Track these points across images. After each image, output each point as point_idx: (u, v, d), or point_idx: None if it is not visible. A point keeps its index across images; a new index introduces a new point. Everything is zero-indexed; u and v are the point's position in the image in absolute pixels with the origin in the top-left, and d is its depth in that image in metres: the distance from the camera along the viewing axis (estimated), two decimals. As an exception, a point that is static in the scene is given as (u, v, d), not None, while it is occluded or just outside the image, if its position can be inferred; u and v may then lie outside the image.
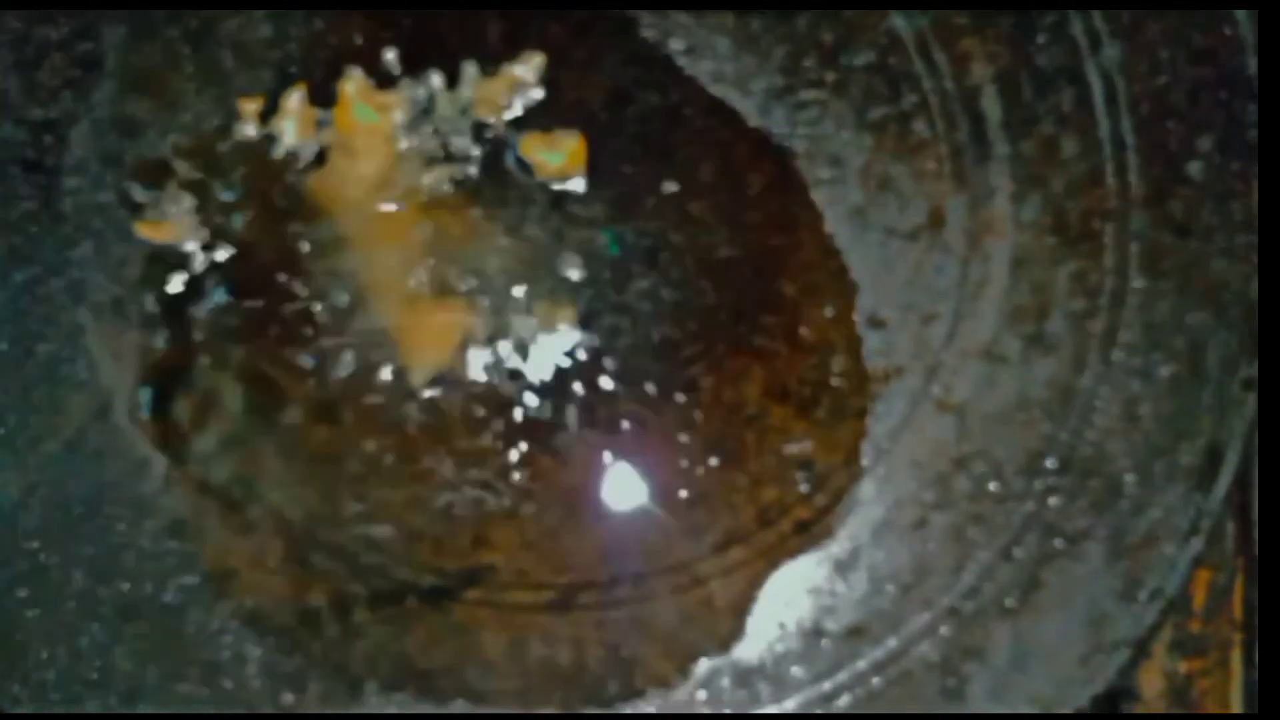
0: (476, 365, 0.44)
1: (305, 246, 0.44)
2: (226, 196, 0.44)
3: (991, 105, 0.45)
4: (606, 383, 0.44)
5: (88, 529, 0.42)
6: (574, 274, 0.44)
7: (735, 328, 0.44)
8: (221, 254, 0.44)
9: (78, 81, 0.44)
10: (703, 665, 0.43)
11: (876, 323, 0.44)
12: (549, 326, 0.44)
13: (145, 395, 0.43)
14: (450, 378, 0.44)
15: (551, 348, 0.44)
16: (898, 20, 0.45)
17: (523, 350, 0.44)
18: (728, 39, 0.45)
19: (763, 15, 0.45)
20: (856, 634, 0.43)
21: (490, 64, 0.45)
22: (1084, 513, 0.43)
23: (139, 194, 0.43)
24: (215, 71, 0.44)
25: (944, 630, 0.43)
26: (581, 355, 0.44)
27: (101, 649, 0.42)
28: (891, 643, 0.43)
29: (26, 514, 0.42)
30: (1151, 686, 0.48)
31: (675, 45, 0.45)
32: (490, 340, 0.44)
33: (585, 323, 0.44)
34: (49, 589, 0.42)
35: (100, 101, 0.44)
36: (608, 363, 0.44)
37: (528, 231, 0.44)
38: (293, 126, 0.43)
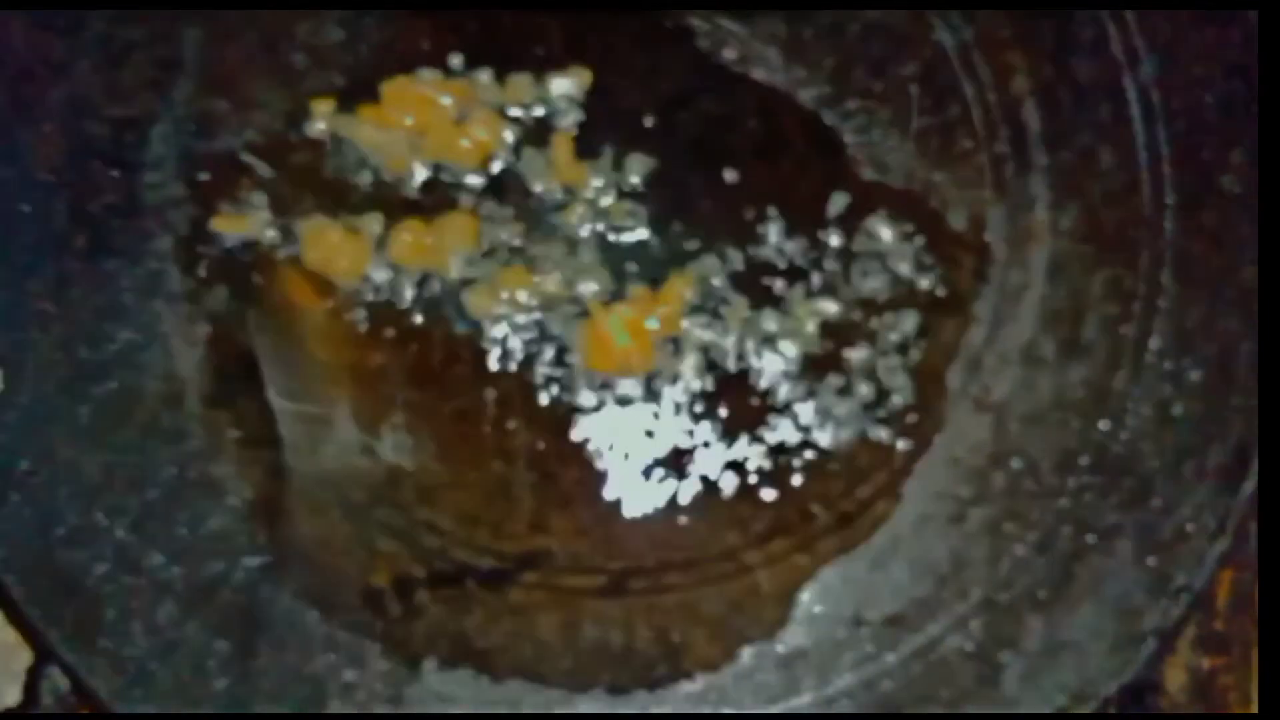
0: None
1: (370, 238, 0.46)
2: (296, 192, 0.46)
3: (1032, 117, 0.47)
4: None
5: (164, 510, 0.44)
6: (628, 268, 0.46)
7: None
8: (291, 248, 0.46)
9: (157, 81, 0.46)
10: (748, 650, 0.44)
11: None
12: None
13: (218, 382, 0.45)
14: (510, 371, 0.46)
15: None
16: (943, 34, 0.47)
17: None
18: (779, 49, 0.47)
19: (813, 26, 0.47)
20: (896, 622, 0.45)
21: (549, 71, 0.47)
22: (1115, 510, 0.45)
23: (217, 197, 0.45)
24: (288, 73, 0.46)
25: (980, 620, 0.44)
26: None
27: (175, 624, 0.44)
28: (930, 631, 0.44)
29: (106, 495, 0.44)
30: (1175, 681, 0.49)
31: (728, 55, 0.47)
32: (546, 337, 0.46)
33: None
34: (127, 566, 0.44)
35: (179, 100, 0.46)
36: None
37: (578, 231, 0.46)
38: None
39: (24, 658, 0.47)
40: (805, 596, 0.45)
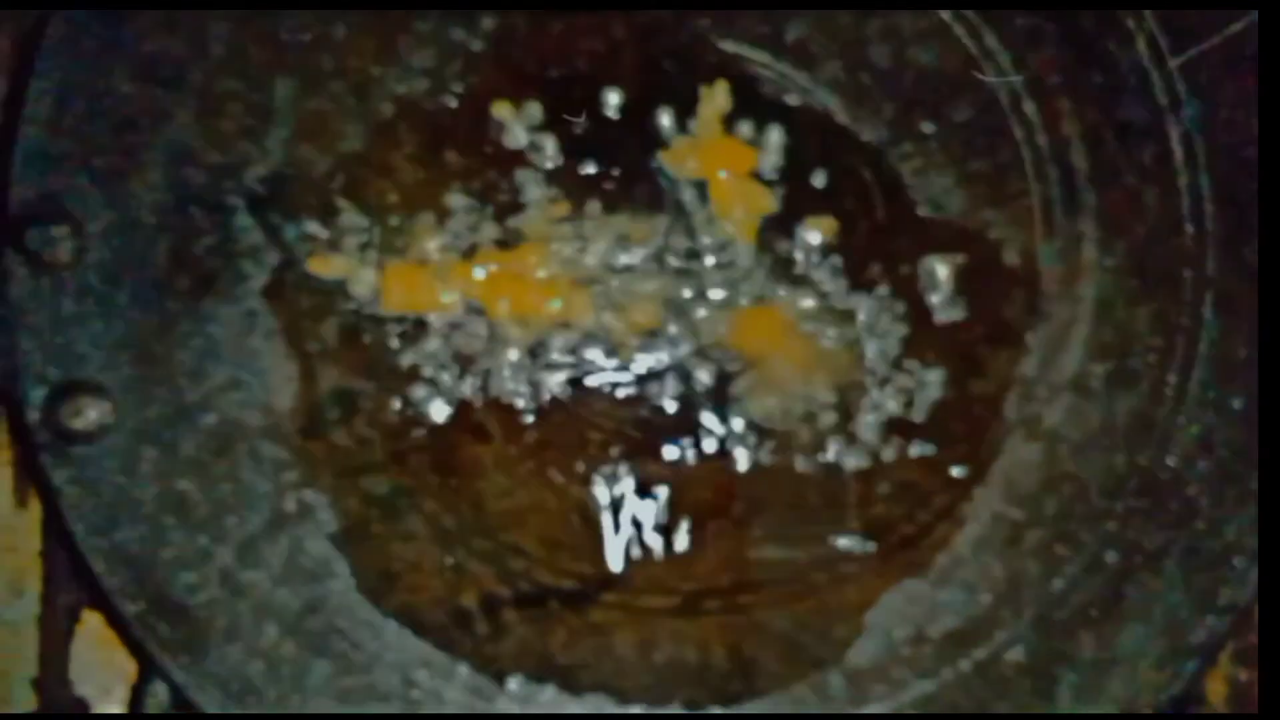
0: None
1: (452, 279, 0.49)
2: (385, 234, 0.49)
3: (1080, 159, 0.49)
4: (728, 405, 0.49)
5: (265, 535, 0.47)
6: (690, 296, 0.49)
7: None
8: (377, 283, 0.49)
9: (252, 129, 0.48)
10: (818, 667, 0.47)
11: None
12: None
13: (313, 416, 0.48)
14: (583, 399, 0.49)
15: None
16: (995, 80, 0.49)
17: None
18: (840, 97, 0.50)
19: (871, 72, 0.49)
20: (956, 639, 0.47)
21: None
22: (1162, 532, 0.47)
23: (313, 228, 0.48)
24: (376, 121, 0.49)
25: (1035, 636, 0.47)
26: (705, 377, 0.49)
27: (276, 644, 0.46)
28: (988, 647, 0.47)
29: (211, 522, 0.47)
30: (1216, 692, 0.52)
31: (791, 101, 0.50)
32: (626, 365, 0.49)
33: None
34: (231, 589, 0.46)
35: (272, 147, 0.48)
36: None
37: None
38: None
39: (128, 673, 0.50)
40: (871, 615, 0.47)
